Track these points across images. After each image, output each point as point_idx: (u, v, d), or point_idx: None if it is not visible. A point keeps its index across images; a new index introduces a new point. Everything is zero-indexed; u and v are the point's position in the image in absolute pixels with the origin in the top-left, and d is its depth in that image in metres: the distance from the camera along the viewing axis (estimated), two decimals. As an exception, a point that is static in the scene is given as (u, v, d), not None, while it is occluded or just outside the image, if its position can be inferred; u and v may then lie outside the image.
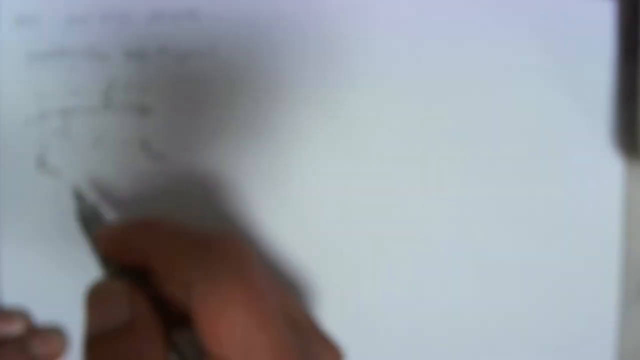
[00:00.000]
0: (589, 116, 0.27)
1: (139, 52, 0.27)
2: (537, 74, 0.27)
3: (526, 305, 0.28)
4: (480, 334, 0.28)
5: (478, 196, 0.27)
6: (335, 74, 0.27)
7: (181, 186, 0.27)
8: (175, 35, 0.27)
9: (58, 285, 0.27)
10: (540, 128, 0.27)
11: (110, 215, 0.26)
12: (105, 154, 0.27)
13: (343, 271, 0.27)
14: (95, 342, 0.18)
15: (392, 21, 0.27)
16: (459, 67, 0.27)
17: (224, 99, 0.27)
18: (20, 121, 0.27)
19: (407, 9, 0.27)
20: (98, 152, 0.27)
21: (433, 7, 0.27)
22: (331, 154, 0.27)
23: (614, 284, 0.28)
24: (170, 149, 0.27)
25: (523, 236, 0.27)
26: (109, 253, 0.21)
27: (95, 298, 0.20)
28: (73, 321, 0.27)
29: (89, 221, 0.24)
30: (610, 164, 0.27)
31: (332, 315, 0.27)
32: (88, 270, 0.24)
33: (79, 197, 0.25)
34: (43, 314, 0.27)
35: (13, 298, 0.27)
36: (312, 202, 0.27)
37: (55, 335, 0.27)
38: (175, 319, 0.20)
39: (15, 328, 0.26)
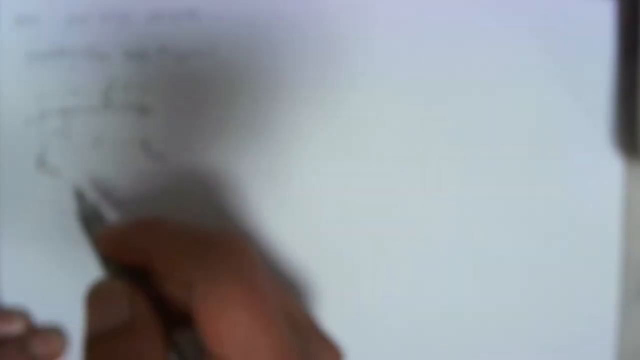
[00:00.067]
0: (589, 116, 0.27)
1: (139, 52, 0.27)
2: (537, 74, 0.27)
3: (526, 305, 0.28)
4: (480, 334, 0.28)
5: (478, 196, 0.27)
6: (335, 74, 0.27)
7: (181, 186, 0.27)
8: (175, 35, 0.27)
9: (58, 285, 0.27)
10: (540, 128, 0.27)
11: (110, 215, 0.26)
12: (106, 154, 0.27)
13: (343, 271, 0.27)
14: (95, 342, 0.18)
15: (392, 21, 0.27)
16: (459, 67, 0.27)
17: (224, 99, 0.27)
18: (20, 121, 0.27)
19: (407, 9, 0.27)
20: (98, 152, 0.27)
21: (433, 7, 0.27)
22: (331, 154, 0.27)
23: (614, 284, 0.28)
24: (170, 149, 0.27)
25: (523, 236, 0.27)
26: (110, 253, 0.21)
27: (96, 298, 0.20)
28: (73, 321, 0.27)
29: (90, 221, 0.24)
30: (610, 164, 0.27)
31: (332, 315, 0.27)
32: (88, 270, 0.24)
33: (80, 197, 0.25)
34: (43, 314, 0.27)
35: (13, 298, 0.27)
36: (312, 202, 0.27)
37: (55, 335, 0.27)
38: (176, 319, 0.20)
39: (15, 328, 0.26)
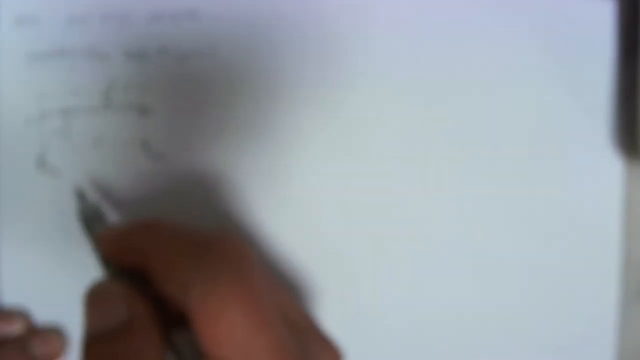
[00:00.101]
0: (589, 116, 0.27)
1: (139, 52, 0.27)
2: (537, 74, 0.27)
3: (526, 305, 0.28)
4: (480, 334, 0.28)
5: (478, 196, 0.27)
6: (335, 74, 0.27)
7: (181, 186, 0.27)
8: (175, 35, 0.27)
9: (58, 285, 0.27)
10: (540, 128, 0.27)
11: (111, 215, 0.26)
12: (106, 154, 0.27)
13: (343, 271, 0.27)
14: (93, 342, 0.19)
15: (392, 21, 0.27)
16: (459, 67, 0.27)
17: (224, 99, 0.27)
18: (20, 121, 0.27)
19: (407, 9, 0.27)
20: (98, 152, 0.27)
21: (433, 7, 0.27)
22: (331, 154, 0.27)
23: (614, 284, 0.28)
24: (170, 149, 0.27)
25: (523, 236, 0.27)
26: (110, 254, 0.22)
27: (94, 298, 0.20)
28: (73, 321, 0.27)
29: (91, 221, 0.24)
30: (610, 164, 0.27)
31: (332, 315, 0.27)
32: (88, 270, 0.24)
33: (80, 197, 0.25)
34: (43, 314, 0.27)
35: (13, 298, 0.27)
36: (312, 202, 0.27)
37: (55, 335, 0.27)
38: (174, 320, 0.20)
39: (15, 328, 0.26)
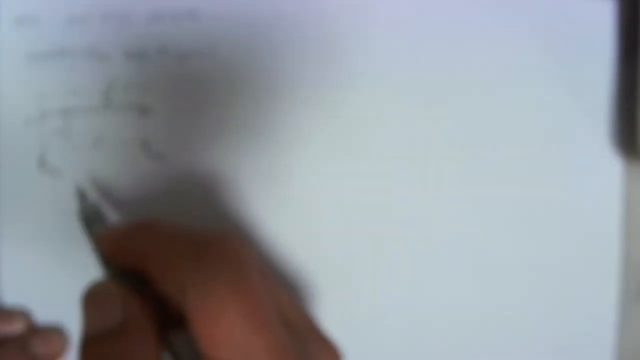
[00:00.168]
0: (589, 116, 0.27)
1: (139, 52, 0.27)
2: (537, 74, 0.27)
3: (526, 305, 0.28)
4: (480, 334, 0.28)
5: (478, 196, 0.27)
6: (335, 74, 0.27)
7: (181, 186, 0.27)
8: (175, 35, 0.27)
9: (58, 285, 0.27)
10: (540, 128, 0.27)
11: (111, 215, 0.26)
12: (106, 154, 0.27)
13: (343, 271, 0.27)
14: (89, 343, 0.19)
15: (392, 21, 0.27)
16: (459, 67, 0.27)
17: (224, 99, 0.27)
18: (20, 121, 0.27)
19: (407, 9, 0.27)
20: (98, 152, 0.27)
21: (433, 7, 0.27)
22: (331, 154, 0.27)
23: (614, 284, 0.28)
24: (170, 149, 0.27)
25: (523, 236, 0.27)
26: (109, 255, 0.22)
27: (90, 300, 0.20)
28: (73, 321, 0.27)
29: (91, 221, 0.24)
30: (609, 164, 0.27)
31: (332, 316, 0.27)
32: (88, 270, 0.24)
33: (81, 197, 0.25)
34: (43, 313, 0.27)
35: (13, 298, 0.27)
36: (312, 202, 0.27)
37: (55, 334, 0.27)
38: (174, 320, 0.20)
39: (15, 327, 0.26)
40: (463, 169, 0.27)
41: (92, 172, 0.27)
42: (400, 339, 0.28)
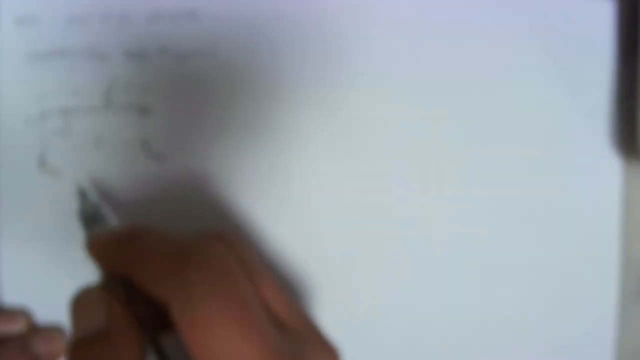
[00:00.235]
0: (589, 116, 0.27)
1: (139, 52, 0.27)
2: (537, 74, 0.27)
3: (526, 305, 0.28)
4: (480, 334, 0.28)
5: (477, 196, 0.27)
6: (335, 74, 0.27)
7: (181, 186, 0.27)
8: (175, 35, 0.27)
9: (58, 285, 0.27)
10: (540, 128, 0.27)
11: (110, 215, 0.26)
12: (106, 153, 0.27)
13: (343, 271, 0.27)
14: (75, 347, 0.19)
15: (392, 21, 0.27)
16: (459, 67, 0.27)
17: (224, 99, 0.27)
18: (20, 121, 0.27)
19: (407, 9, 0.27)
20: (98, 152, 0.27)
21: (433, 7, 0.27)
22: (331, 154, 0.27)
23: (614, 284, 0.28)
24: (171, 149, 0.27)
25: (522, 236, 0.27)
26: (97, 261, 0.22)
27: (77, 305, 0.20)
28: (74, 320, 0.27)
29: (91, 221, 0.24)
30: (609, 163, 0.27)
31: (332, 316, 0.27)
32: (88, 270, 0.24)
33: (82, 196, 0.25)
34: (44, 313, 0.27)
35: (13, 298, 0.27)
36: (312, 202, 0.27)
37: (56, 334, 0.27)
38: (167, 321, 0.20)
39: (16, 327, 0.27)
40: (463, 168, 0.27)
41: (92, 172, 0.27)
42: (400, 339, 0.28)
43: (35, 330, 0.27)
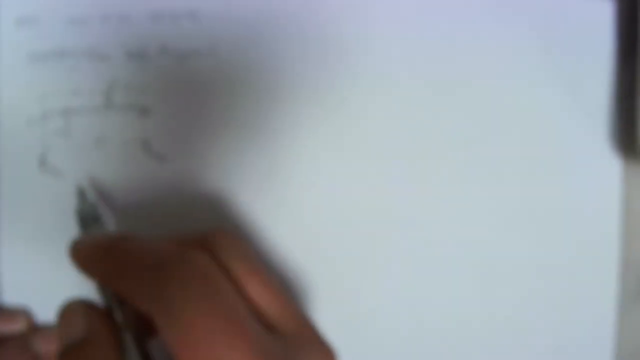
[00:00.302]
0: (589, 116, 0.27)
1: (139, 53, 0.27)
2: (537, 74, 0.27)
3: (525, 305, 0.28)
4: (480, 334, 0.28)
5: (477, 196, 0.27)
6: (335, 74, 0.27)
7: (181, 186, 0.27)
8: (175, 35, 0.27)
9: (58, 285, 0.27)
10: (540, 128, 0.27)
11: (108, 215, 0.26)
12: (106, 154, 0.27)
13: (341, 271, 0.27)
14: (61, 355, 0.20)
15: (392, 21, 0.27)
16: (459, 67, 0.27)
17: (224, 99, 0.27)
18: (22, 121, 0.27)
19: (407, 9, 0.27)
20: (99, 152, 0.27)
21: (433, 7, 0.27)
22: (331, 153, 0.27)
23: (613, 284, 0.28)
24: (171, 149, 0.27)
25: (522, 236, 0.27)
26: (80, 269, 0.22)
27: (61, 315, 0.21)
28: (74, 320, 0.27)
29: (88, 221, 0.24)
30: (609, 163, 0.27)
31: (331, 316, 0.27)
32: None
33: (81, 196, 0.25)
34: (44, 313, 0.27)
35: (13, 298, 0.27)
36: (311, 202, 0.27)
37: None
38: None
39: (17, 326, 0.27)
40: (462, 168, 0.27)
41: (92, 172, 0.27)
42: (399, 339, 0.28)
43: (35, 329, 0.27)
